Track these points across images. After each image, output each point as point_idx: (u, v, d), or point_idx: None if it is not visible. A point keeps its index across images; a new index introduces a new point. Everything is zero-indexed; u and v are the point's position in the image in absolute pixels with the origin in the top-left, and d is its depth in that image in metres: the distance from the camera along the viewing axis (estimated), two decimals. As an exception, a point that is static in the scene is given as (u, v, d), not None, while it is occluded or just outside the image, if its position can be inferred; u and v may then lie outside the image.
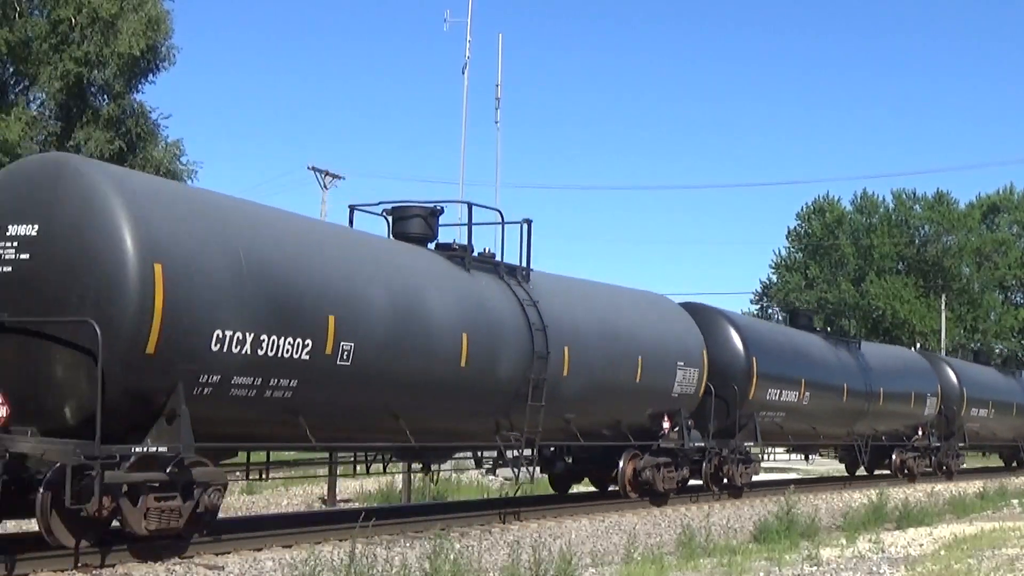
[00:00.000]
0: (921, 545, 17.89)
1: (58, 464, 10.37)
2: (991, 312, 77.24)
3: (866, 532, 19.94)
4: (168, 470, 10.98)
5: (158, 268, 10.71)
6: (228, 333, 11.32)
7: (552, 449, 19.08)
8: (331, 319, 12.45)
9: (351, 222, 15.88)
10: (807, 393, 24.15)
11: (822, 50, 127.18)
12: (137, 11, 35.94)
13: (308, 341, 12.15)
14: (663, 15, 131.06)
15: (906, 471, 30.72)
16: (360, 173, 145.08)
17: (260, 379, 11.75)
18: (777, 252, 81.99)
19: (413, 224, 15.64)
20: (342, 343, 12.57)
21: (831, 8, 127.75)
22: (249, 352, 11.52)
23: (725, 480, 21.87)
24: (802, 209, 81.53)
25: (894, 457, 30.50)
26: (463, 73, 38.09)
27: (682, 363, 19.63)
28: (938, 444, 32.11)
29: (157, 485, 10.95)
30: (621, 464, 19.01)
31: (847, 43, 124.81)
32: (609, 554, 15.98)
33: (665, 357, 19.27)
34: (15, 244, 10.88)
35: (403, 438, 14.11)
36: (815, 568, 14.75)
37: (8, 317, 10.69)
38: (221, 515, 20.35)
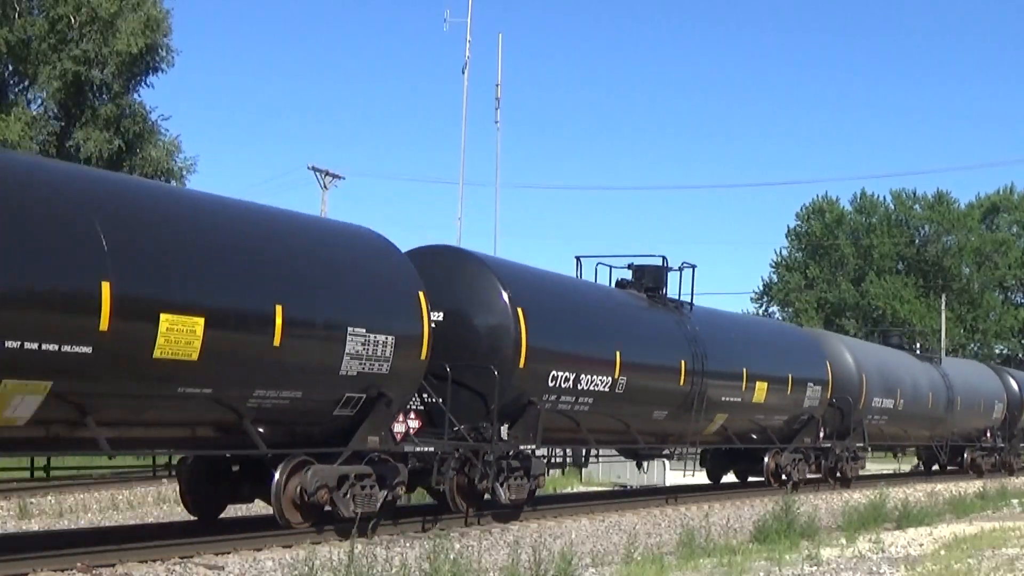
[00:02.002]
0: (921, 545, 17.89)
1: None
2: (991, 312, 77.25)
3: (866, 532, 19.94)
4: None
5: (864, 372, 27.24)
6: (876, 399, 27.65)
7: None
8: (898, 391, 29.07)
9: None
10: None
11: (822, 50, 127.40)
12: (136, 11, 35.96)
13: (893, 400, 28.52)
14: (663, 15, 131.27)
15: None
16: (360, 173, 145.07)
17: (887, 418, 28.63)
18: (777, 252, 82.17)
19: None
20: (900, 399, 28.89)
21: (831, 8, 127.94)
22: (882, 407, 28.11)
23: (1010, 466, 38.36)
24: (802, 209, 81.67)
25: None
26: (463, 73, 38.32)
27: (997, 401, 37.19)
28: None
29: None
30: (966, 454, 36.07)
31: (847, 43, 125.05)
32: (609, 554, 15.97)
33: (989, 398, 36.81)
34: None
35: (907, 442, 33.70)
36: (815, 568, 14.75)
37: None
38: (220, 515, 20.30)
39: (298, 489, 12.87)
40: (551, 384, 16.36)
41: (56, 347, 9.89)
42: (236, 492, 14.19)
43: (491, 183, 79.82)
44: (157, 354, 10.69)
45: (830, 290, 76.88)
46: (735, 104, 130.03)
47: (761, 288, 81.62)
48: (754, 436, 23.87)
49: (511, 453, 15.79)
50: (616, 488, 31.66)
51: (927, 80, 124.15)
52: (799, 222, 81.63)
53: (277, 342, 11.93)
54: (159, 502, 23.01)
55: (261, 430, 12.38)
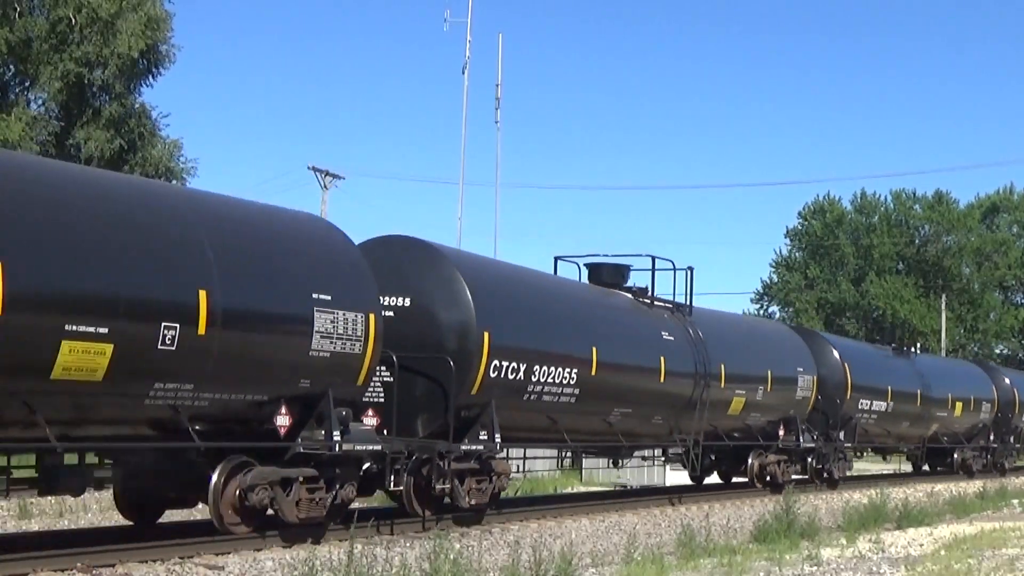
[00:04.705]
0: (921, 545, 17.89)
1: None
2: (991, 312, 77.25)
3: (866, 532, 19.94)
4: None
5: None
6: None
7: None
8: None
9: None
10: None
11: (822, 50, 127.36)
12: (136, 11, 35.93)
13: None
14: (663, 15, 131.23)
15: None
16: (360, 173, 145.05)
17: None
18: (777, 252, 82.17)
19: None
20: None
21: (831, 8, 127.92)
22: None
23: None
24: (802, 209, 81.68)
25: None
26: (463, 73, 38.31)
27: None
28: None
29: None
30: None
31: (847, 43, 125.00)
32: (609, 554, 15.98)
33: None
34: None
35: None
36: (815, 568, 14.75)
37: None
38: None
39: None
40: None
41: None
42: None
43: (491, 183, 79.80)
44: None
45: (830, 290, 76.87)
46: (735, 104, 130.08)
47: (761, 288, 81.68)
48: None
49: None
50: (616, 488, 31.66)
51: (927, 80, 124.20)
52: (799, 222, 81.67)
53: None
54: (159, 502, 22.97)
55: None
